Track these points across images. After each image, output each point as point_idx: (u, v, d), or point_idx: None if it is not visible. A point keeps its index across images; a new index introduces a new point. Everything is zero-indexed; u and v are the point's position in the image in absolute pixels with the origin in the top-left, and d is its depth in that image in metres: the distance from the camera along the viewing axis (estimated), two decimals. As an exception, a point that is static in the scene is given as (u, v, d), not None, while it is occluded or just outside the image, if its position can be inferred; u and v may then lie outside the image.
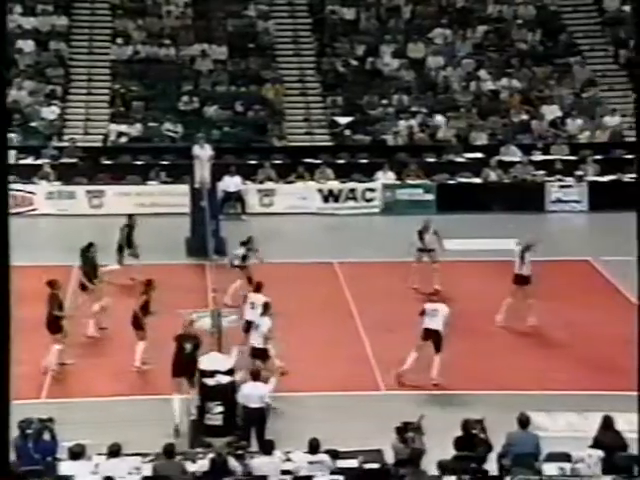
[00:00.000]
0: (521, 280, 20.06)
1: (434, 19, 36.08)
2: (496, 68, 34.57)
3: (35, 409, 14.62)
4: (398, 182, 29.81)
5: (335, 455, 13.55)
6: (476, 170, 30.29)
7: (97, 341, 19.59)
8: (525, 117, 32.96)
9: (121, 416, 16.16)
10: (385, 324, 20.06)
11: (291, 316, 19.42)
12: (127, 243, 22.47)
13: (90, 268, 20.12)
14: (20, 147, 30.09)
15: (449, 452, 13.42)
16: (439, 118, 32.37)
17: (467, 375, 17.82)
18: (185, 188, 26.09)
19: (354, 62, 34.66)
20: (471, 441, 13.55)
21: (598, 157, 30.81)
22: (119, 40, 34.70)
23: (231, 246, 22.80)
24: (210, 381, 15.17)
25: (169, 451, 13.36)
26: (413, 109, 32.98)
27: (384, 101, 33.30)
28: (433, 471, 13.21)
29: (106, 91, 33.48)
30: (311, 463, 13.35)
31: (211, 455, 13.51)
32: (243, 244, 21.34)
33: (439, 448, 13.54)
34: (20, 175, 28.51)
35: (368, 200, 29.56)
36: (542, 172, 30.25)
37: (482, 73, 34.34)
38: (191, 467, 13.45)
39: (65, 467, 13.29)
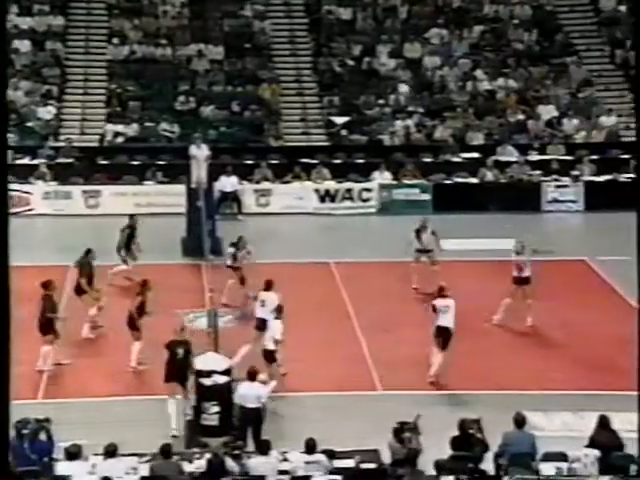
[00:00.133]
0: (521, 280, 20.12)
1: (430, 19, 36.10)
2: (492, 68, 34.60)
3: (32, 409, 14.60)
4: (395, 182, 29.83)
5: (332, 455, 13.55)
6: (472, 170, 30.31)
7: (93, 341, 19.58)
8: (521, 117, 32.99)
9: (117, 416, 16.15)
10: (382, 324, 20.07)
11: (287, 316, 19.34)
12: (126, 244, 22.37)
13: (87, 274, 20.04)
14: (16, 147, 30.04)
15: (446, 452, 13.42)
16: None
17: (463, 375, 17.82)
18: (181, 188, 26.09)
19: (350, 62, 34.67)
20: (468, 441, 13.56)
21: (594, 157, 30.84)
22: (115, 40, 34.69)
23: (227, 246, 22.79)
24: (207, 381, 15.17)
25: (166, 451, 13.36)
26: (410, 109, 33.00)
27: (380, 101, 33.32)
28: (430, 471, 13.22)
29: (102, 91, 33.47)
30: (308, 463, 13.35)
31: (208, 455, 13.51)
32: (233, 245, 21.37)
33: (436, 448, 13.55)
34: (16, 175, 28.47)
35: (365, 200, 29.57)
36: (538, 172, 30.28)
37: (478, 73, 34.37)
38: (188, 467, 13.45)
39: (62, 467, 13.29)
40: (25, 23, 34.94)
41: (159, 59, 34.64)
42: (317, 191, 29.61)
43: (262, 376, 16.21)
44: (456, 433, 13.63)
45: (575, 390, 17.32)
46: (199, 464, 13.48)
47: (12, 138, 30.53)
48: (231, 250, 21.23)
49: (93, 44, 34.87)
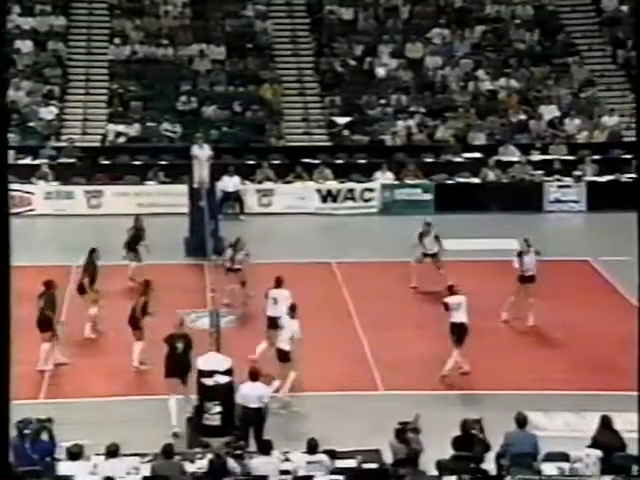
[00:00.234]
0: (526, 279, 20.16)
1: (432, 19, 36.09)
2: (494, 68, 34.58)
3: (33, 409, 14.61)
4: (396, 182, 29.81)
5: (333, 455, 13.56)
6: (474, 170, 30.29)
7: (95, 341, 19.59)
8: (523, 117, 32.96)
9: (119, 416, 16.16)
10: (383, 324, 20.07)
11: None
12: (129, 244, 22.33)
13: (91, 274, 20.04)
14: (18, 147, 30.05)
15: (447, 452, 13.42)
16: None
17: (465, 375, 17.84)
18: (184, 188, 26.09)
19: (352, 62, 34.67)
20: (470, 441, 13.55)
21: (596, 157, 30.80)
22: (117, 40, 34.69)
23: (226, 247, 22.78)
24: (208, 381, 15.16)
25: (168, 451, 13.37)
26: (411, 109, 33.00)
27: (382, 101, 33.32)
28: (432, 471, 13.21)
29: (104, 91, 33.47)
30: (309, 463, 13.35)
31: (210, 455, 13.51)
32: (231, 246, 21.35)
33: (437, 447, 13.55)
34: (18, 175, 28.48)
35: (366, 200, 29.56)
36: (540, 172, 30.25)
37: (480, 73, 34.36)
38: (190, 467, 13.45)
39: (64, 467, 13.29)
40: (27, 23, 34.94)
41: (161, 59, 34.64)
42: (319, 191, 29.60)
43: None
44: (457, 433, 13.62)
45: (577, 390, 17.32)
46: (201, 464, 13.49)
47: (14, 138, 30.54)
48: (229, 252, 21.19)
49: (95, 44, 34.88)
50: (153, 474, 13.23)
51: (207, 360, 15.53)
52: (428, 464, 13.33)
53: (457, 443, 13.48)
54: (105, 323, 19.78)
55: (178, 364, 15.82)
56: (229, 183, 28.74)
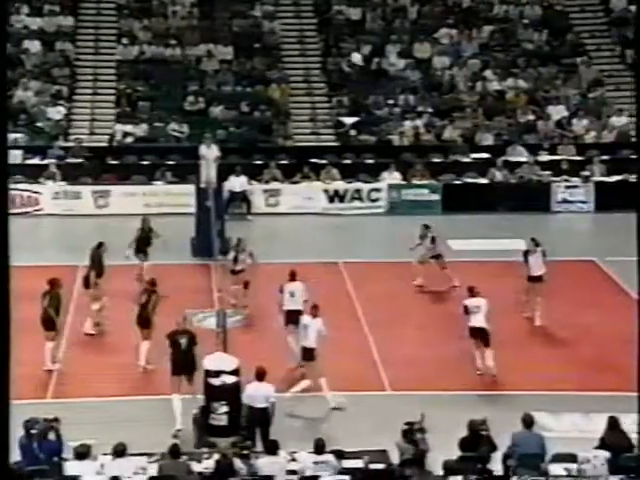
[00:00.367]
0: (534, 278, 20.17)
1: (440, 19, 36.07)
2: (502, 68, 34.55)
3: (41, 409, 14.60)
4: (404, 182, 29.79)
5: (340, 455, 13.55)
6: (482, 170, 30.26)
7: (101, 341, 19.60)
8: (531, 117, 32.93)
9: (126, 416, 16.15)
10: (390, 324, 20.05)
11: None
12: (137, 247, 22.28)
13: (97, 267, 20.08)
14: (26, 147, 30.14)
15: (454, 452, 13.40)
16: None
17: (471, 375, 17.81)
18: (191, 188, 26.11)
19: (360, 62, 34.64)
20: (477, 442, 13.53)
21: (604, 157, 30.77)
22: (125, 40, 34.73)
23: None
24: (215, 381, 15.16)
25: (175, 451, 13.37)
26: (419, 109, 32.98)
27: (390, 101, 33.30)
28: (438, 471, 13.19)
29: (112, 91, 33.51)
30: (316, 463, 13.34)
31: (216, 455, 13.51)
32: (232, 247, 21.30)
33: (444, 448, 13.53)
34: (26, 175, 28.58)
35: (373, 200, 29.55)
36: (548, 172, 30.21)
37: (488, 73, 34.32)
38: (197, 467, 13.46)
39: (71, 467, 13.30)
40: (35, 23, 35.00)
41: (168, 59, 34.67)
42: (326, 191, 29.59)
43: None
44: (464, 433, 13.60)
45: (584, 391, 17.27)
46: (208, 464, 13.49)
47: (22, 138, 30.61)
48: (232, 253, 21.13)
49: (102, 44, 34.93)
50: (160, 474, 13.23)
51: (214, 360, 15.53)
52: (435, 464, 13.31)
53: (464, 444, 13.46)
54: (112, 323, 19.77)
55: (183, 360, 15.80)
56: (236, 183, 28.75)
